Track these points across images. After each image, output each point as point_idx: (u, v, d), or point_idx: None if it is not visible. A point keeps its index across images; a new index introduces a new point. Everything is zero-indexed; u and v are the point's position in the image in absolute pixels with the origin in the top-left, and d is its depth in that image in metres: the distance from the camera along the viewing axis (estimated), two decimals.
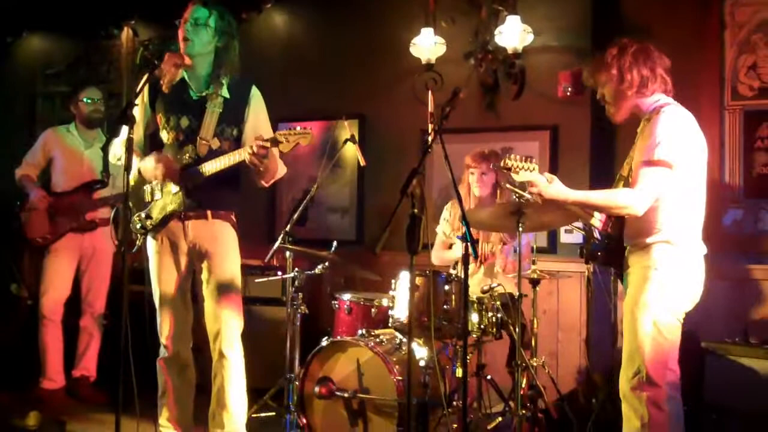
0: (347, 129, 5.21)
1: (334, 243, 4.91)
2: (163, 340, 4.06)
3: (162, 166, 3.89)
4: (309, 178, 6.10)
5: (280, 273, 5.41)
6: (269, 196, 6.53)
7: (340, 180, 6.43)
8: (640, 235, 3.46)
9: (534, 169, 3.40)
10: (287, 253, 5.00)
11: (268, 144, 3.71)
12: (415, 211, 3.20)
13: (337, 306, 4.97)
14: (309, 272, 4.88)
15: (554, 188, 3.43)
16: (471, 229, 3.47)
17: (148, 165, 3.93)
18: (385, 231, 3.25)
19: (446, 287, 4.36)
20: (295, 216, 4.97)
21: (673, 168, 3.34)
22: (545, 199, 3.44)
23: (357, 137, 5.26)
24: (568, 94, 5.52)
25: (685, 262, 3.42)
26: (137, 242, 4.02)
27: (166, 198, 3.96)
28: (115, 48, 7.31)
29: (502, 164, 3.44)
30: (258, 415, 4.89)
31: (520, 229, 4.07)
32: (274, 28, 6.73)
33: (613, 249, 3.62)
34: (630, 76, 3.45)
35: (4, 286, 6.49)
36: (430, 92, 4.86)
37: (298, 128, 3.74)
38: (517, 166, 3.39)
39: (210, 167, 3.87)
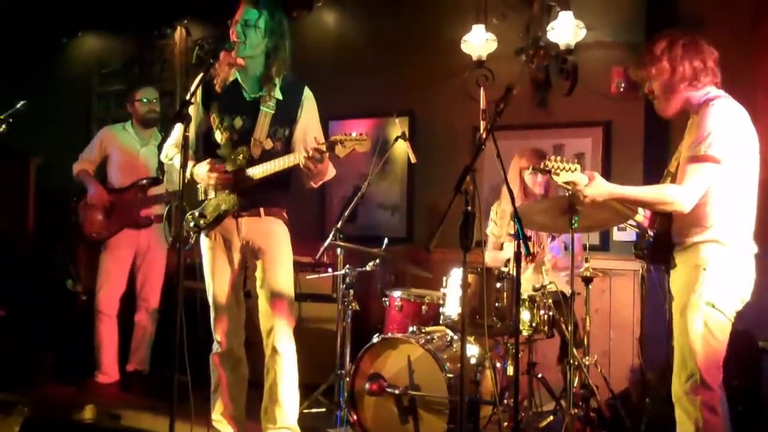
0: (398, 126, 5.22)
1: (385, 240, 4.93)
2: (217, 335, 4.11)
3: (215, 176, 3.94)
4: (359, 176, 6.09)
5: (330, 270, 5.44)
6: (319, 194, 6.56)
7: (390, 177, 6.44)
8: (688, 233, 3.38)
9: (576, 169, 3.34)
10: (338, 250, 5.03)
11: (324, 149, 3.73)
12: (469, 208, 3.18)
13: (387, 303, 4.99)
14: (360, 269, 4.91)
15: (595, 186, 3.36)
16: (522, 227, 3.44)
17: (200, 172, 3.98)
18: (438, 228, 3.23)
19: (498, 285, 4.35)
20: (346, 213, 5.00)
21: (722, 163, 3.25)
22: (587, 197, 3.38)
23: (407, 134, 5.27)
24: (622, 89, 5.45)
25: (735, 261, 3.33)
26: (191, 240, 4.06)
27: (219, 197, 4.00)
28: (168, 47, 7.42)
29: (542, 166, 3.39)
30: (309, 410, 4.91)
31: (574, 227, 4.03)
32: (325, 26, 6.76)
33: (660, 247, 3.54)
34: (682, 68, 3.37)
35: (60, 282, 6.61)
36: (481, 89, 4.82)
37: (354, 134, 3.75)
38: (558, 167, 3.33)
39: (260, 170, 3.90)
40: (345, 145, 3.72)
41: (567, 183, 3.39)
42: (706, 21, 5.01)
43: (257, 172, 3.91)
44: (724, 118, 3.30)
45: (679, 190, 3.30)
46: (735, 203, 3.34)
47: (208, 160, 3.98)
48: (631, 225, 4.52)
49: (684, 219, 3.37)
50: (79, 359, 5.73)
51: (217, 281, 4.07)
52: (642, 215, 3.65)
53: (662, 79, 3.42)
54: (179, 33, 7.29)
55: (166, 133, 5.41)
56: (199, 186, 4.07)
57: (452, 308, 4.43)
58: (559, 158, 3.35)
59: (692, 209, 3.31)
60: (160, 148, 5.53)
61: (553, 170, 3.34)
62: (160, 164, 5.51)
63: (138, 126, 5.75)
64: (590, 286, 4.65)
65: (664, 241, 3.52)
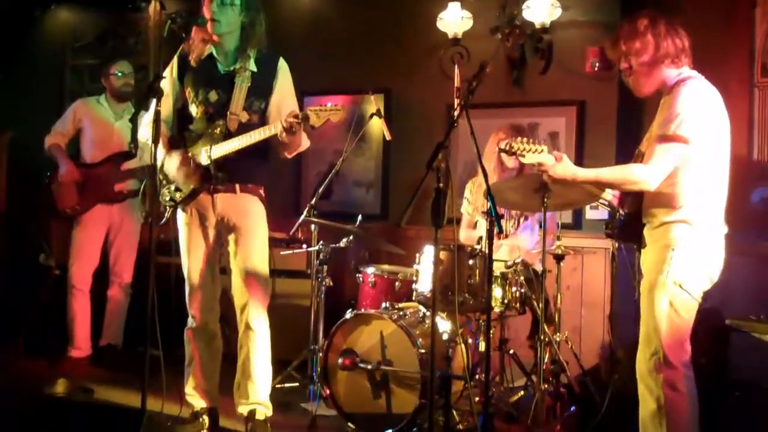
0: (373, 103, 5.22)
1: (359, 217, 4.95)
2: (191, 310, 4.12)
3: (184, 169, 3.95)
4: (334, 152, 6.11)
5: (304, 246, 5.46)
6: (295, 170, 6.56)
7: (365, 154, 6.44)
8: (658, 213, 3.41)
9: (542, 150, 3.35)
10: (312, 227, 5.05)
11: (299, 120, 3.73)
12: (441, 185, 3.20)
13: (361, 279, 5.01)
14: (334, 245, 4.92)
15: (561, 167, 3.38)
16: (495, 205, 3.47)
17: (171, 164, 3.99)
18: (409, 205, 3.25)
19: (470, 262, 4.38)
20: (320, 190, 5.01)
21: (690, 143, 3.27)
22: (553, 178, 3.41)
23: (383, 112, 5.27)
24: (596, 69, 5.49)
25: (704, 241, 3.36)
26: (166, 214, 4.06)
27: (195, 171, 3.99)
28: (142, 21, 7.33)
29: (507, 147, 3.40)
30: (282, 385, 4.95)
31: (546, 205, 4.06)
32: (300, 2, 6.71)
33: (630, 225, 3.58)
34: (665, 44, 3.38)
35: (32, 256, 6.57)
36: (456, 67, 4.83)
37: (329, 105, 3.75)
38: (523, 149, 3.34)
39: (232, 145, 3.89)
40: (319, 116, 3.72)
41: (533, 164, 3.42)
42: (681, 3, 5.03)
43: (225, 149, 3.90)
44: (695, 99, 3.32)
45: (645, 169, 3.32)
46: (705, 184, 3.36)
47: (180, 154, 3.98)
48: (603, 204, 4.56)
49: (654, 199, 3.40)
50: (52, 334, 5.72)
51: (192, 256, 4.08)
52: (611, 194, 3.68)
53: (646, 54, 3.41)
54: (153, 6, 7.21)
55: (139, 107, 5.41)
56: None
57: (425, 285, 4.46)
58: (525, 140, 3.36)
59: (662, 189, 3.33)
60: (133, 121, 5.59)
61: (518, 152, 3.35)
62: (134, 138, 5.53)
63: (112, 99, 5.72)
64: (562, 264, 4.70)
65: (634, 220, 3.55)
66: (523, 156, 3.35)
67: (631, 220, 3.57)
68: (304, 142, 4.06)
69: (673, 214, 3.36)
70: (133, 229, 5.72)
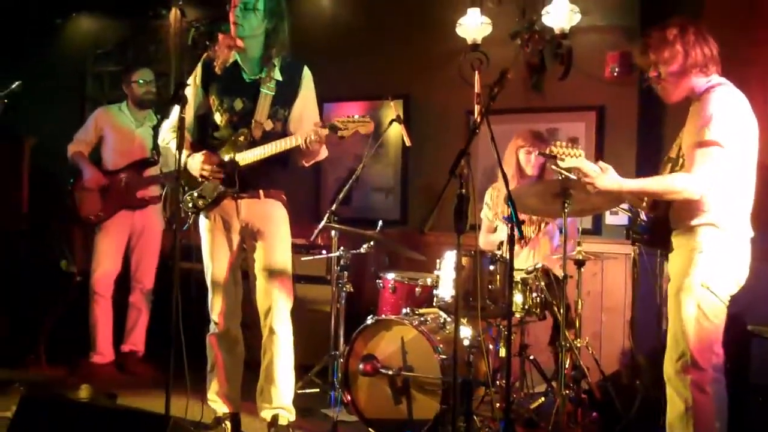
0: (393, 109, 5.24)
1: (380, 222, 4.96)
2: (214, 316, 4.15)
3: (208, 168, 3.97)
4: (353, 158, 6.13)
5: (324, 252, 5.47)
6: (314, 176, 6.59)
7: (384, 160, 6.46)
8: (686, 217, 3.42)
9: (580, 155, 3.38)
10: (332, 232, 5.06)
11: (326, 131, 3.75)
12: (463, 191, 3.21)
13: (381, 285, 5.03)
14: (354, 251, 4.94)
15: (609, 179, 3.41)
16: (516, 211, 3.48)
17: (194, 163, 4.00)
18: (433, 211, 3.27)
19: (491, 267, 4.38)
20: (340, 196, 5.02)
21: (724, 147, 3.29)
22: (599, 190, 3.42)
23: (402, 117, 5.29)
24: (616, 74, 5.48)
25: (731, 245, 3.38)
26: (189, 221, 4.09)
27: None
28: (162, 28, 7.40)
29: (547, 151, 3.43)
30: (303, 391, 4.96)
31: (566, 211, 4.06)
32: (320, 8, 6.75)
33: (659, 230, 3.59)
34: (694, 53, 3.40)
35: (54, 263, 6.62)
36: (476, 73, 4.84)
37: (357, 116, 3.78)
38: (563, 153, 3.37)
39: (256, 153, 3.92)
40: (348, 127, 3.75)
41: (569, 169, 3.43)
42: (702, 6, 5.02)
43: (254, 156, 3.94)
44: (725, 105, 3.34)
45: (688, 178, 3.33)
46: (733, 188, 3.38)
47: (203, 152, 4.00)
48: (623, 209, 4.58)
49: (683, 203, 3.41)
50: (74, 340, 5.75)
51: (215, 262, 4.11)
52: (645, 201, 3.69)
53: (675, 64, 3.43)
54: (174, 14, 7.27)
55: (161, 115, 5.45)
56: None
57: (446, 290, 4.47)
58: (563, 143, 3.38)
59: None
60: (155, 129, 5.64)
61: (558, 155, 3.38)
62: (156, 145, 5.59)
63: (134, 107, 5.75)
64: (582, 269, 4.69)
65: (662, 225, 3.56)
66: (563, 160, 3.36)
67: (659, 225, 3.58)
68: (323, 152, 4.09)
69: (701, 218, 3.38)
70: (154, 236, 5.76)
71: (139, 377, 5.45)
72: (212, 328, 4.18)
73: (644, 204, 3.69)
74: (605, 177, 3.41)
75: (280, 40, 4.01)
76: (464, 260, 4.36)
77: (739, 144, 3.36)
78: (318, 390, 5.10)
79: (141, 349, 5.76)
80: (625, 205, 4.36)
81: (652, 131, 5.40)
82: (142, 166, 5.62)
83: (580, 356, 4.57)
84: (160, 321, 5.62)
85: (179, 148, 3.48)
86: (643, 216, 4.27)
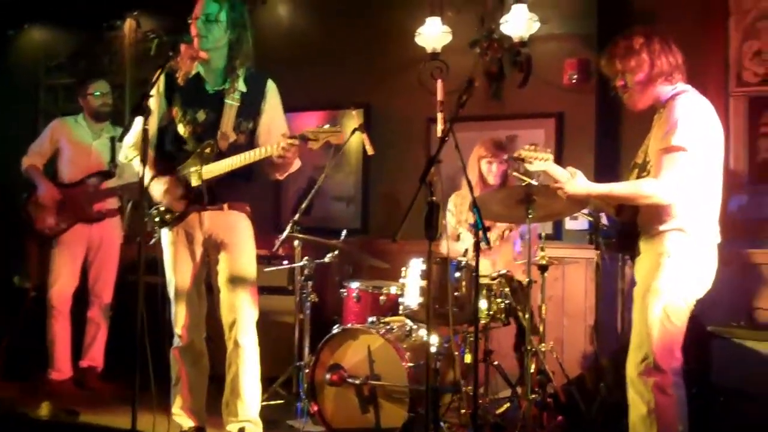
0: (354, 118, 5.23)
1: (344, 231, 4.95)
2: (177, 330, 4.09)
3: (169, 198, 3.94)
4: (313, 167, 6.08)
5: (286, 262, 5.43)
6: (274, 187, 6.53)
7: (344, 169, 6.46)
8: (654, 222, 3.45)
9: (548, 158, 3.41)
10: (295, 242, 5.04)
11: (297, 142, 3.73)
12: (434, 198, 3.22)
13: (345, 294, 5.01)
14: (318, 261, 4.92)
15: (578, 184, 3.44)
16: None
17: (157, 188, 3.96)
18: (404, 219, 3.26)
19: (457, 274, 4.40)
20: (303, 206, 5.00)
21: (689, 152, 3.33)
22: (569, 195, 3.44)
23: (363, 126, 5.28)
24: (574, 81, 5.54)
25: (698, 250, 3.42)
26: (155, 235, 4.03)
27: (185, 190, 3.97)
28: (117, 39, 7.31)
29: (515, 155, 3.45)
30: (268, 402, 4.91)
31: (531, 216, 4.09)
32: (279, 19, 6.73)
33: (627, 235, 3.62)
34: (660, 62, 3.44)
35: (8, 278, 6.50)
36: (439, 81, 4.86)
37: (327, 126, 3.76)
38: (531, 156, 3.40)
39: (224, 165, 3.88)
40: (319, 138, 3.73)
41: (532, 174, 3.46)
42: (657, 14, 5.11)
43: (217, 169, 3.89)
44: (690, 110, 3.39)
45: (656, 184, 3.36)
46: (700, 193, 3.42)
47: (167, 180, 3.96)
48: (583, 214, 4.62)
49: (650, 208, 3.45)
50: (30, 356, 5.64)
51: (178, 275, 4.05)
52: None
53: (641, 72, 3.48)
54: (129, 25, 7.20)
55: (121, 127, 5.39)
56: None
57: (412, 298, 4.47)
58: (532, 147, 3.40)
59: None
60: (112, 141, 5.57)
61: (526, 158, 3.39)
62: (113, 158, 5.52)
63: (90, 119, 5.67)
64: (546, 274, 4.73)
65: (630, 230, 3.59)
66: (531, 163, 3.38)
67: (627, 229, 3.61)
68: (296, 164, 4.05)
69: (669, 223, 3.41)
70: (112, 249, 5.67)
71: (98, 393, 5.35)
72: (176, 341, 4.12)
73: (611, 209, 3.72)
74: (575, 182, 3.44)
75: (243, 51, 3.98)
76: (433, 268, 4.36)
77: (705, 149, 3.40)
78: (283, 401, 5.05)
79: (100, 365, 5.66)
80: (585, 210, 4.40)
81: (610, 137, 5.48)
82: (99, 179, 5.53)
83: (545, 361, 4.60)
84: (120, 336, 5.55)
85: (143, 160, 3.44)
86: (604, 220, 4.31)
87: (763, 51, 5.11)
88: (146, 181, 3.64)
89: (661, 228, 3.42)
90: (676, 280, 3.38)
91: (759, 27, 5.13)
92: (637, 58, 3.47)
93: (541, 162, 3.39)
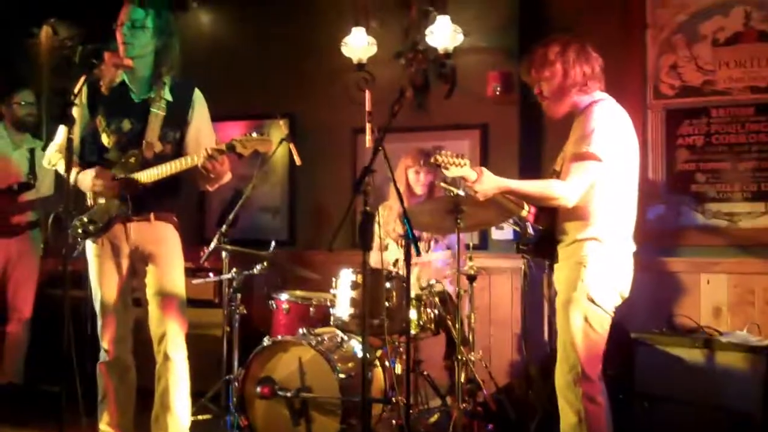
0: (281, 128, 5.20)
1: (273, 243, 4.91)
2: (104, 344, 3.99)
3: (100, 183, 3.84)
4: (237, 177, 5.97)
5: (212, 274, 5.36)
6: (197, 197, 6.45)
7: (270, 179, 6.41)
8: (571, 230, 3.52)
9: (465, 164, 3.38)
10: (222, 254, 4.98)
11: (224, 149, 3.69)
12: (368, 208, 3.23)
13: (274, 306, 4.97)
14: (247, 272, 4.87)
15: (485, 181, 3.41)
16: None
17: (85, 179, 3.87)
18: (340, 228, 3.27)
19: (388, 285, 4.41)
20: (230, 216, 4.94)
21: (603, 161, 3.38)
22: (478, 193, 3.43)
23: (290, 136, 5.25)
24: (498, 93, 5.61)
25: (614, 258, 3.48)
26: (79, 247, 3.93)
27: (108, 202, 3.89)
28: (33, 47, 7.11)
29: (432, 160, 3.43)
30: (197, 417, 4.83)
31: (460, 226, 4.14)
32: (201, 28, 6.67)
33: (544, 242, 3.67)
34: (573, 72, 3.50)
35: None
36: (367, 92, 4.88)
37: (255, 134, 3.73)
38: (448, 162, 3.37)
39: (153, 173, 3.82)
40: (246, 146, 3.70)
41: (455, 178, 3.47)
42: (576, 27, 5.21)
43: (148, 176, 3.83)
44: (607, 119, 3.45)
45: (563, 186, 3.41)
46: (616, 202, 3.48)
47: (95, 168, 3.86)
48: (510, 223, 4.68)
49: (567, 216, 3.51)
50: None
51: (104, 288, 3.96)
52: (527, 211, 3.76)
53: (554, 82, 3.54)
54: (46, 32, 7.01)
55: (40, 139, 5.28)
56: (87, 192, 3.95)
57: (343, 309, 4.47)
58: (448, 153, 3.39)
59: (575, 207, 3.43)
60: (31, 152, 5.43)
61: (443, 164, 3.37)
62: (32, 168, 5.38)
63: (11, 129, 5.55)
64: (474, 284, 4.78)
65: (548, 236, 3.65)
66: (447, 169, 3.37)
67: (545, 236, 3.66)
68: (227, 175, 4.01)
69: (585, 232, 3.46)
70: (31, 263, 5.55)
71: (19, 410, 5.20)
72: (102, 356, 4.02)
73: (525, 212, 3.75)
74: (483, 179, 3.40)
75: (170, 59, 3.93)
76: (360, 278, 4.37)
77: (620, 158, 3.46)
78: (212, 416, 4.98)
79: (20, 380, 5.51)
80: (511, 219, 4.46)
81: (532, 147, 5.58)
82: (17, 191, 5.39)
83: (475, 370, 4.64)
84: (40, 351, 5.42)
85: (67, 170, 3.36)
86: (530, 230, 4.38)
87: (678, 64, 5.28)
88: (72, 180, 3.56)
89: (578, 237, 3.47)
90: (595, 288, 3.43)
91: (674, 41, 5.28)
92: (551, 69, 3.53)
93: (457, 168, 3.39)
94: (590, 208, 3.46)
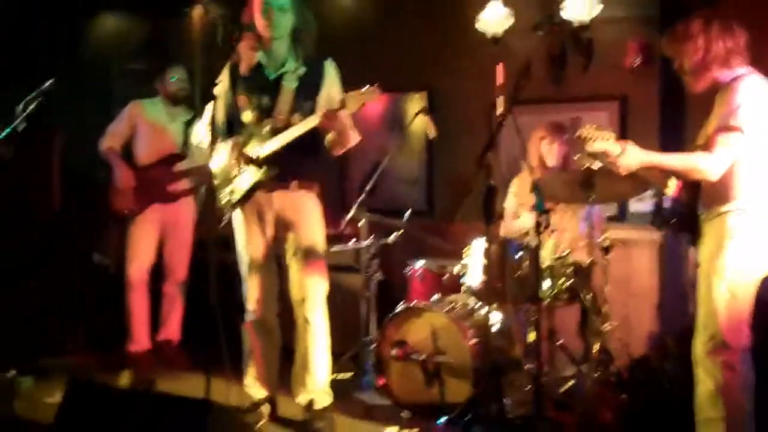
0: (419, 101, 5.30)
1: (408, 211, 5.04)
2: (250, 305, 4.23)
3: (234, 154, 4.07)
4: (377, 149, 6.17)
5: (351, 242, 5.55)
6: (339, 168, 6.66)
7: (407, 151, 6.55)
8: (714, 203, 3.48)
9: (610, 138, 3.41)
10: (360, 222, 5.16)
11: (337, 107, 3.84)
12: (491, 182, 3.28)
13: (410, 273, 5.12)
14: (383, 240, 5.03)
15: (630, 155, 3.40)
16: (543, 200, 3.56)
17: (220, 155, 4.11)
18: (461, 202, 3.34)
19: (519, 254, 4.47)
20: (368, 186, 5.12)
21: (748, 135, 3.34)
22: (622, 167, 3.43)
23: (427, 109, 5.35)
24: (637, 64, 5.53)
25: (760, 229, 3.42)
26: (225, 218, 4.16)
27: (251, 171, 4.10)
28: (186, 26, 7.49)
29: (576, 134, 3.47)
30: (335, 375, 5.05)
31: (592, 198, 4.14)
32: (340, 2, 6.83)
33: (687, 216, 3.65)
34: (716, 47, 3.44)
35: (88, 256, 6.73)
36: (499, 65, 4.92)
37: (364, 88, 3.86)
38: (592, 136, 3.42)
39: (279, 139, 3.98)
40: (356, 99, 3.84)
41: (597, 152, 3.47)
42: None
43: (269, 148, 4.00)
44: (752, 94, 3.38)
45: (708, 159, 3.37)
46: (761, 174, 3.43)
47: (232, 140, 4.09)
48: (648, 196, 4.63)
49: (711, 190, 3.47)
50: (110, 329, 5.87)
51: (251, 252, 4.19)
52: (674, 183, 3.71)
53: (696, 58, 3.49)
54: (197, 11, 7.36)
55: (194, 111, 5.57)
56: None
57: (474, 278, 4.57)
58: (593, 126, 3.41)
59: (720, 180, 3.40)
60: (186, 124, 5.74)
61: (587, 138, 3.39)
62: (186, 140, 5.69)
63: (167, 102, 5.85)
64: (609, 256, 4.77)
65: (690, 211, 3.63)
66: (591, 142, 3.39)
67: (687, 210, 3.64)
68: (353, 138, 4.15)
69: (730, 204, 3.43)
70: (186, 228, 5.85)
71: (174, 365, 5.56)
72: (248, 316, 4.26)
73: (668, 188, 3.74)
74: (626, 155, 3.40)
75: (307, 37, 4.10)
76: (493, 248, 4.45)
77: (765, 133, 3.40)
78: (351, 374, 5.20)
79: (176, 338, 5.87)
80: (650, 192, 4.41)
81: (674, 120, 5.45)
82: (173, 161, 5.72)
83: (609, 340, 4.65)
84: (195, 310, 5.75)
85: (212, 144, 3.58)
86: (668, 204, 4.33)
87: None
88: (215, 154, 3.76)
89: (723, 209, 3.44)
90: (740, 259, 3.40)
91: None
92: (693, 43, 3.48)
93: (602, 142, 3.40)
94: (734, 181, 3.42)
